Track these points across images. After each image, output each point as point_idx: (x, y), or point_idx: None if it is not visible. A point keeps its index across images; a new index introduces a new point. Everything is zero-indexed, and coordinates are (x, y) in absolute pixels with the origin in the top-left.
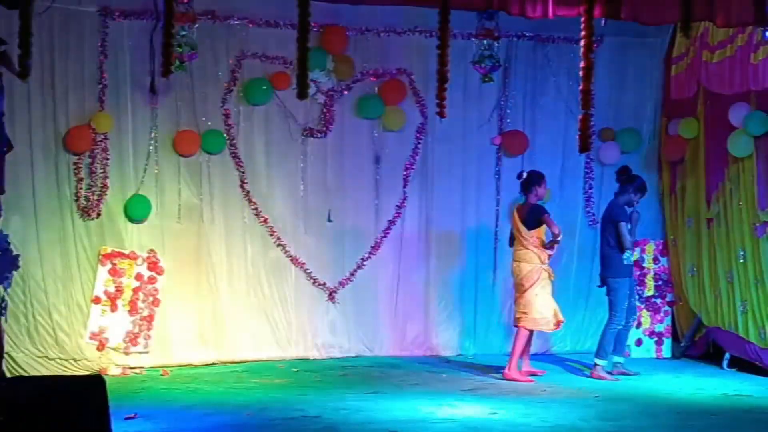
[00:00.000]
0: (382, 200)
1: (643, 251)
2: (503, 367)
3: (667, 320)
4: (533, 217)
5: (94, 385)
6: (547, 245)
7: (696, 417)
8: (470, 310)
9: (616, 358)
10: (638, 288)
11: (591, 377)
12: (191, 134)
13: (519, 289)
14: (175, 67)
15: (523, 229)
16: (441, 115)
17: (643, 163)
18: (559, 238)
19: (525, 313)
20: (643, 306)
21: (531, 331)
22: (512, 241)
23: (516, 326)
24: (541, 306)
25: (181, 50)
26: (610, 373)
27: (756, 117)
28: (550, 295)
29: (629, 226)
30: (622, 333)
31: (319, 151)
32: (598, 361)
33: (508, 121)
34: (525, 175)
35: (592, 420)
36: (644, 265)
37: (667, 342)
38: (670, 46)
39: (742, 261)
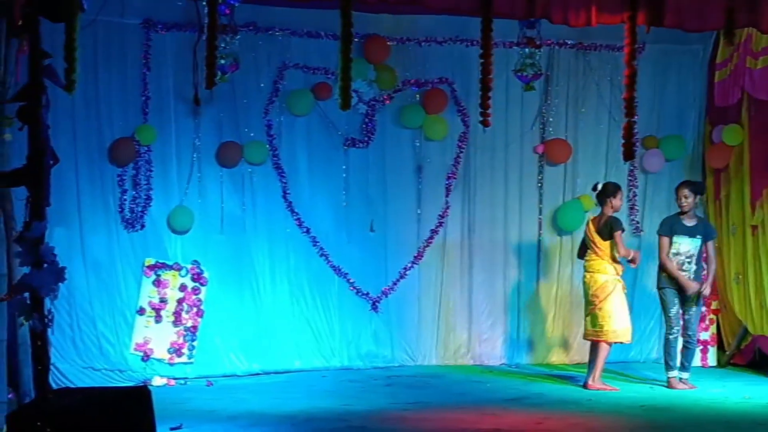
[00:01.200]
0: (424, 209)
1: None
2: (551, 378)
3: (713, 328)
4: (608, 229)
5: (139, 396)
6: (621, 261)
7: (744, 427)
8: (514, 319)
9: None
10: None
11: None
12: (234, 145)
13: (593, 301)
14: (218, 78)
15: (598, 239)
16: (485, 123)
17: (688, 170)
18: (630, 258)
19: (602, 326)
20: None
21: (611, 344)
22: (582, 252)
23: (589, 339)
24: (620, 317)
25: (223, 62)
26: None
27: None
28: (626, 306)
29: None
30: (679, 345)
31: (361, 161)
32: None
33: (551, 129)
34: (600, 186)
35: (639, 430)
36: None
37: (713, 350)
38: (713, 52)
39: None
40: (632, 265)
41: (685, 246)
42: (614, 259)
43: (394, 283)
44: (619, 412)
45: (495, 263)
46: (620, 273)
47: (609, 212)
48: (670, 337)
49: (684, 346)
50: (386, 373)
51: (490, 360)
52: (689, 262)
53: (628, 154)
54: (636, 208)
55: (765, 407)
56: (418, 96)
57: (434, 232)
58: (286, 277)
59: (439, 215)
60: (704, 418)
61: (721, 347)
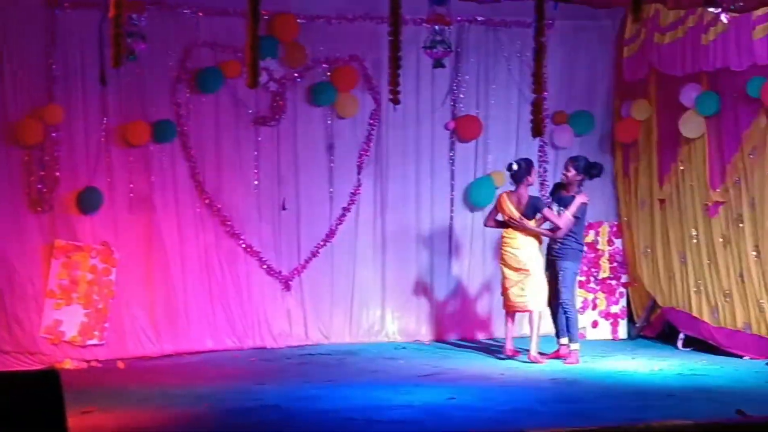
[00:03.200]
0: (336, 188)
1: (597, 233)
2: (464, 353)
3: (623, 302)
4: (532, 210)
5: (48, 379)
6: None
7: (653, 397)
8: (426, 296)
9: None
10: (594, 270)
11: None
12: (142, 125)
13: (521, 272)
14: (125, 57)
15: (517, 214)
16: (394, 101)
17: (597, 145)
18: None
19: (536, 295)
20: (598, 288)
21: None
22: (492, 222)
23: (518, 311)
24: (546, 288)
25: (130, 40)
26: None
27: (707, 98)
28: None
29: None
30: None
31: (272, 140)
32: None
33: (461, 106)
34: (515, 167)
35: (550, 403)
36: (598, 247)
37: (623, 323)
38: (622, 28)
39: (695, 241)
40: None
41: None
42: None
43: (307, 262)
44: (529, 386)
45: (408, 240)
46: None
47: (525, 190)
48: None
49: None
50: (300, 351)
51: (404, 337)
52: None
53: (537, 130)
54: (546, 183)
55: (674, 378)
56: (328, 74)
57: (346, 210)
58: (197, 257)
59: (351, 193)
60: (615, 390)
61: (630, 320)
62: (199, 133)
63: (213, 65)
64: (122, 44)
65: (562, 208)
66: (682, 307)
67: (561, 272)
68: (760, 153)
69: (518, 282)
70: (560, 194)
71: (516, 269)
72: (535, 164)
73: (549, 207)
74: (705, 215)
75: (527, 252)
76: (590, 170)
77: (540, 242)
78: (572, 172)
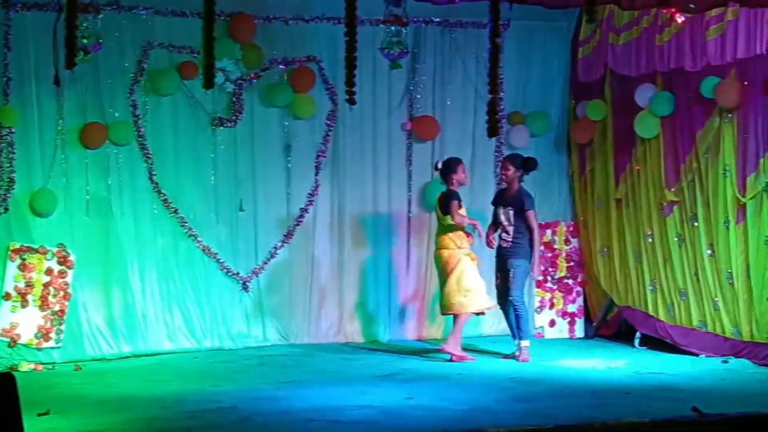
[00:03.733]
0: (293, 188)
1: (554, 232)
2: (422, 353)
3: (580, 301)
4: (445, 202)
5: (4, 382)
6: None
7: (610, 395)
8: (384, 297)
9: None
10: (551, 269)
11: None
12: (98, 126)
13: (441, 276)
14: (80, 58)
15: (440, 214)
16: (350, 102)
17: (553, 145)
18: (471, 225)
19: (449, 299)
20: (555, 287)
21: (468, 315)
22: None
23: (444, 314)
24: (466, 289)
25: (85, 41)
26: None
27: (662, 98)
28: (478, 277)
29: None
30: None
31: (229, 141)
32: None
33: (418, 106)
34: (441, 165)
35: (507, 402)
36: (555, 246)
37: (580, 322)
38: (577, 29)
39: (650, 240)
40: (479, 237)
41: (501, 216)
42: (459, 232)
43: (265, 263)
44: (487, 385)
45: (365, 241)
46: (463, 246)
47: (455, 187)
48: (498, 308)
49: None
50: (258, 353)
51: (362, 337)
52: (505, 232)
53: (494, 130)
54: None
55: (629, 376)
56: (285, 75)
57: (304, 211)
58: (154, 258)
59: (309, 194)
60: (572, 389)
61: (588, 319)
62: (157, 134)
63: (169, 66)
64: (76, 45)
65: (510, 209)
66: (639, 306)
67: (511, 270)
68: (714, 152)
69: None
70: (504, 197)
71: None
72: (491, 165)
73: (459, 204)
74: (660, 214)
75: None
76: (527, 165)
77: (458, 244)
78: (511, 170)
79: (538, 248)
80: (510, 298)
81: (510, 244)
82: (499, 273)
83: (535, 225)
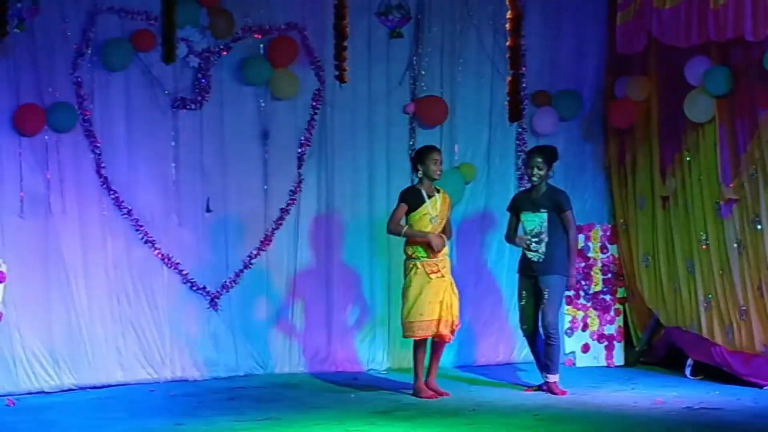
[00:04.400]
0: (272, 184)
1: (587, 238)
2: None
3: (619, 320)
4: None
5: None
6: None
7: None
8: (383, 316)
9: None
10: (584, 282)
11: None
12: (34, 109)
13: None
14: (15, 26)
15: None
16: (341, 79)
17: (586, 131)
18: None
19: (402, 317)
20: (589, 304)
21: (419, 341)
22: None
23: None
24: (411, 306)
25: (20, 5)
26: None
27: (717, 74)
28: (432, 292)
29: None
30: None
31: (194, 126)
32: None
33: (423, 85)
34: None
35: None
36: (589, 254)
37: (619, 347)
38: None
39: (704, 247)
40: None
41: (529, 223)
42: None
43: (237, 275)
44: (509, 423)
45: (359, 248)
46: (415, 255)
47: (421, 184)
48: (524, 334)
49: (541, 340)
50: (229, 384)
51: (356, 365)
52: (537, 242)
53: (515, 114)
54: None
55: (681, 413)
56: (262, 46)
57: (285, 211)
58: (103, 269)
59: (291, 191)
60: (609, 428)
61: (629, 343)
62: (106, 119)
63: (121, 36)
64: (8, 10)
65: (544, 211)
66: (690, 327)
67: (547, 290)
68: None
69: None
70: (530, 199)
71: None
72: (512, 154)
73: (404, 206)
74: (716, 216)
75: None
76: (553, 155)
77: (409, 252)
78: (544, 168)
79: (575, 256)
80: (545, 323)
81: (543, 257)
82: (524, 293)
83: (575, 228)
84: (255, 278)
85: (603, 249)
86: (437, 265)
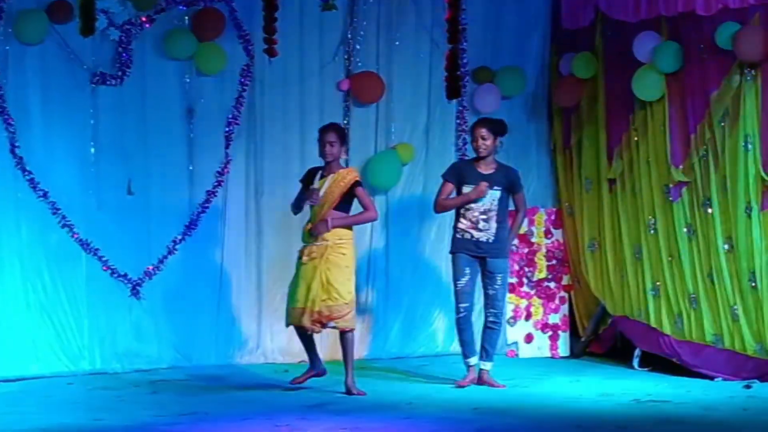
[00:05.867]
0: (197, 165)
1: (531, 222)
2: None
3: (564, 309)
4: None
5: None
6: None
7: (602, 430)
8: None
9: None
10: (528, 269)
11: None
12: None
13: None
14: None
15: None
16: (270, 53)
17: (530, 110)
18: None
19: None
20: (533, 292)
21: (297, 329)
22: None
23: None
24: (289, 295)
25: None
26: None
27: (667, 50)
28: (301, 279)
29: None
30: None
31: (115, 103)
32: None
33: (358, 60)
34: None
35: None
36: (533, 239)
37: (564, 337)
38: None
39: (652, 232)
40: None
41: (479, 200)
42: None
43: (161, 261)
44: (446, 417)
45: (291, 232)
46: (305, 238)
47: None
48: (460, 315)
49: (486, 326)
50: (151, 376)
51: (286, 356)
52: (485, 220)
53: (454, 91)
54: (466, 156)
55: (627, 405)
56: (186, 18)
57: (211, 194)
58: (17, 255)
59: (218, 172)
60: (553, 423)
61: (574, 333)
62: (20, 94)
63: (36, 7)
64: None
65: (497, 189)
66: (638, 316)
67: (500, 275)
68: (733, 119)
69: None
70: (476, 172)
71: None
72: (451, 133)
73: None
74: (665, 199)
75: None
76: (501, 128)
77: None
78: (490, 138)
79: (515, 238)
80: (495, 308)
81: (494, 237)
82: (467, 270)
83: (525, 210)
84: (179, 265)
85: (547, 234)
86: (311, 249)
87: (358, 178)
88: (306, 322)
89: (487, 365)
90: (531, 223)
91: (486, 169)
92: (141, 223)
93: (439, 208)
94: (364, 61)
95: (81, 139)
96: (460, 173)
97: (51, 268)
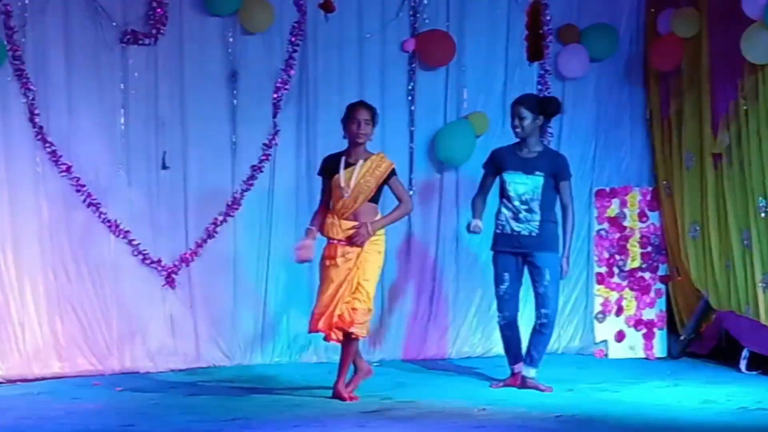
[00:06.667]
0: (241, 136)
1: (623, 203)
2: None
3: (660, 303)
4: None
5: None
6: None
7: None
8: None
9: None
10: (619, 257)
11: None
12: None
13: None
14: None
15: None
16: (326, 8)
17: (622, 74)
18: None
19: None
20: (625, 283)
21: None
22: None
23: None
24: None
25: None
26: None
27: None
28: (330, 286)
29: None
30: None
31: (148, 65)
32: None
33: (426, 18)
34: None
35: None
36: (625, 223)
37: (661, 335)
38: None
39: (763, 215)
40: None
41: (520, 186)
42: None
43: (199, 246)
44: (524, 425)
45: None
46: (332, 233)
47: (343, 151)
48: (501, 322)
49: (535, 329)
50: (189, 377)
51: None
52: (527, 210)
53: (535, 53)
54: (550, 130)
55: (734, 414)
56: None
57: (257, 169)
58: (36, 238)
59: (264, 145)
60: (649, 431)
61: (672, 330)
62: (41, 56)
63: None
64: None
65: (539, 175)
66: (746, 312)
67: (546, 269)
68: None
69: None
70: (516, 158)
71: None
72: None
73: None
74: None
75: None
76: (548, 108)
77: (326, 230)
78: (528, 118)
79: (572, 236)
80: (545, 309)
81: (537, 230)
82: (506, 275)
83: (573, 202)
84: (220, 250)
85: (642, 217)
86: (345, 250)
87: (394, 165)
88: (323, 326)
89: (531, 371)
90: (623, 204)
91: (528, 153)
92: (177, 202)
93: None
94: (432, 18)
95: (109, 107)
96: (499, 160)
97: (75, 252)
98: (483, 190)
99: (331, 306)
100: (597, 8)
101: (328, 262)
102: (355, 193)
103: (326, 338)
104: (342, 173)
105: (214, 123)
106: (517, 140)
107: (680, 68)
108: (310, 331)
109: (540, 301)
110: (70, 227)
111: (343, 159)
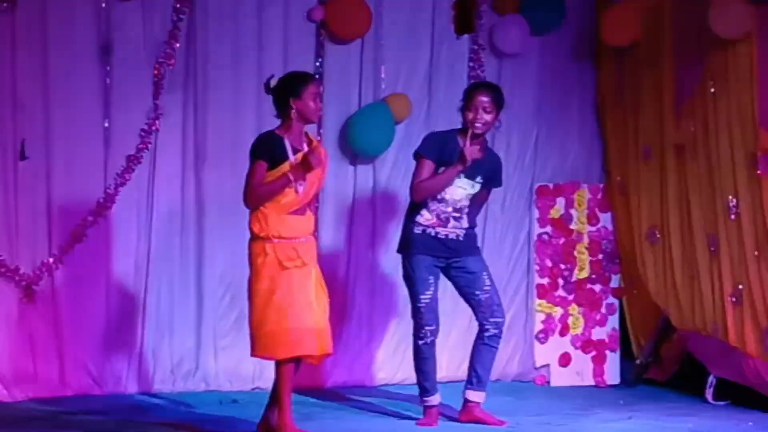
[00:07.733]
0: (115, 120)
1: (569, 203)
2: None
3: (613, 321)
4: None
5: None
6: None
7: None
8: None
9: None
10: (563, 266)
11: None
12: None
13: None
14: None
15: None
16: None
17: (569, 50)
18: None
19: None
20: (571, 297)
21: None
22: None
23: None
24: (270, 311)
25: None
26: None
27: None
28: (303, 296)
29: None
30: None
31: (3, 36)
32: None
33: None
34: (273, 81)
35: None
36: (572, 226)
37: (614, 358)
38: None
39: (733, 217)
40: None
41: (459, 191)
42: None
43: (65, 252)
44: None
45: (243, 212)
46: (276, 234)
47: (283, 130)
48: (428, 340)
49: (483, 343)
50: (52, 407)
51: (237, 382)
52: (457, 218)
53: (465, 24)
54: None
55: None
56: None
57: (134, 159)
58: None
59: (143, 130)
60: None
61: (627, 353)
62: None
63: None
64: None
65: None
66: (713, 331)
67: (485, 273)
68: None
69: None
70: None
71: None
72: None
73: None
74: (751, 172)
75: None
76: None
77: (266, 230)
78: (493, 113)
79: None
80: (493, 316)
81: (465, 232)
82: (430, 279)
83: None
84: (90, 256)
85: (591, 219)
86: (296, 249)
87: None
88: (327, 347)
89: (479, 396)
90: (569, 204)
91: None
92: (38, 199)
93: (423, 192)
94: None
95: None
96: (442, 149)
97: None
98: (423, 177)
99: (324, 319)
100: None
101: (290, 265)
102: (308, 183)
103: (317, 362)
104: (291, 158)
105: (82, 105)
106: (459, 129)
107: (638, 43)
108: (318, 359)
109: (486, 309)
110: None
111: (287, 141)
